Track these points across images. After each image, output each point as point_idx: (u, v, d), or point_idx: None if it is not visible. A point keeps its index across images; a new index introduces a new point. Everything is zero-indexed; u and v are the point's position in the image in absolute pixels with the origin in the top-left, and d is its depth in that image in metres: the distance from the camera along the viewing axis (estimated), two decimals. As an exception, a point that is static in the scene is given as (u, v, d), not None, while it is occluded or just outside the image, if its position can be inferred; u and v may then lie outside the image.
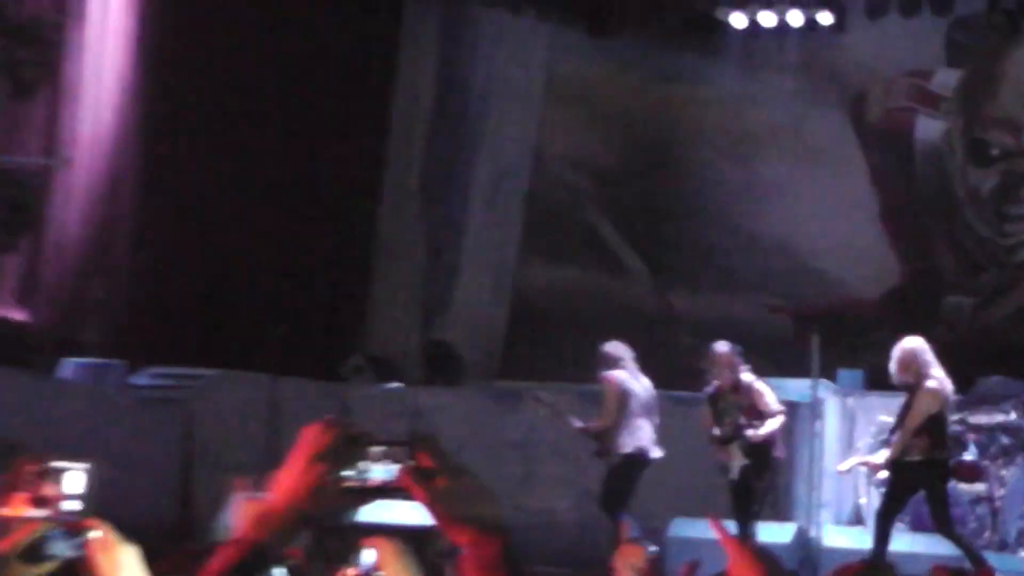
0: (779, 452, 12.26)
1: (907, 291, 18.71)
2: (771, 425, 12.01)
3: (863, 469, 12.76)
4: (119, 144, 15.89)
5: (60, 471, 2.59)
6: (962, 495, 12.92)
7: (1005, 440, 13.46)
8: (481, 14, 19.68)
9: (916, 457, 11.15)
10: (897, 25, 18.28)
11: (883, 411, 13.02)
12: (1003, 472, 13.32)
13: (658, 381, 12.88)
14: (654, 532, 12.27)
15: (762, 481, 12.03)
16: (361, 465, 2.35)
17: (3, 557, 2.56)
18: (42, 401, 12.84)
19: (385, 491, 2.37)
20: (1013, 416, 13.53)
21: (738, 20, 18.65)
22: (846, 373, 14.98)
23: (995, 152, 18.37)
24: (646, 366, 12.76)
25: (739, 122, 19.39)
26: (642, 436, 12.39)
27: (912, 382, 11.27)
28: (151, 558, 2.98)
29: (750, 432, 11.97)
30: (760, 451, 11.99)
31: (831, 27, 18.45)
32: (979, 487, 13.13)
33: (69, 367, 14.42)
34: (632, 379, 12.52)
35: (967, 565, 10.44)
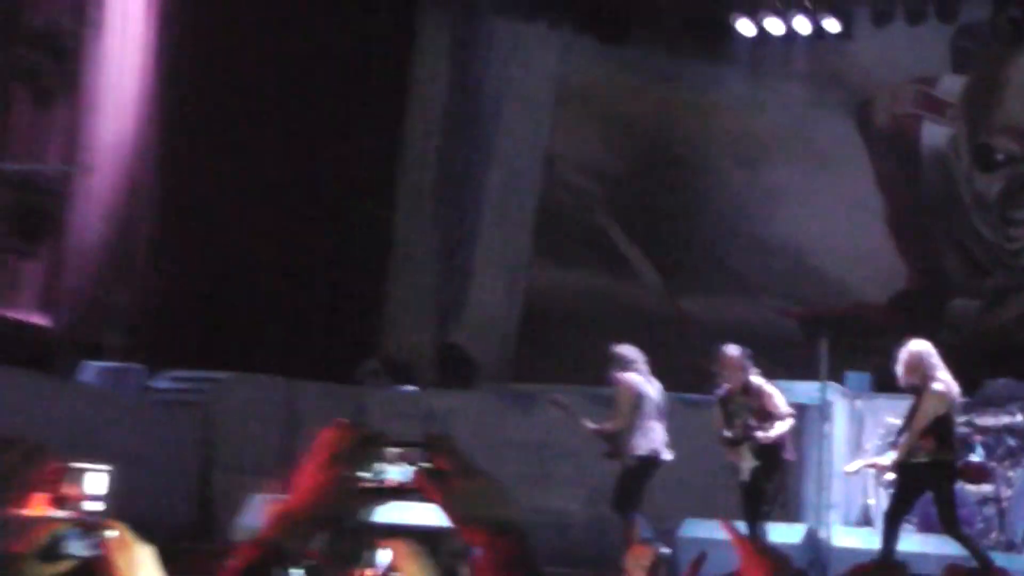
0: (788, 454, 12.24)
1: (914, 294, 18.68)
2: (780, 427, 11.98)
3: (870, 471, 12.74)
4: (138, 151, 15.91)
5: (81, 472, 2.59)
6: (969, 496, 12.88)
7: (1011, 442, 13.42)
8: (493, 22, 19.69)
9: (923, 459, 11.12)
10: (903, 32, 18.27)
11: (891, 413, 12.98)
12: (1010, 473, 13.27)
13: (668, 383, 12.86)
14: (666, 532, 12.26)
15: (771, 482, 12.01)
16: (377, 466, 2.35)
17: (21, 556, 2.56)
18: (63, 404, 12.85)
19: (401, 492, 2.37)
20: (1019, 418, 13.49)
21: (746, 27, 18.64)
22: (854, 375, 14.95)
23: (1000, 157, 18.34)
24: (656, 368, 12.74)
25: (747, 128, 19.38)
26: (655, 438, 12.40)
27: (919, 384, 11.24)
28: (169, 558, 2.97)
29: (760, 434, 11.95)
30: (769, 453, 11.97)
31: (838, 34, 18.44)
32: (986, 488, 13.09)
33: (89, 370, 14.44)
34: (645, 382, 12.53)
35: (974, 565, 10.43)
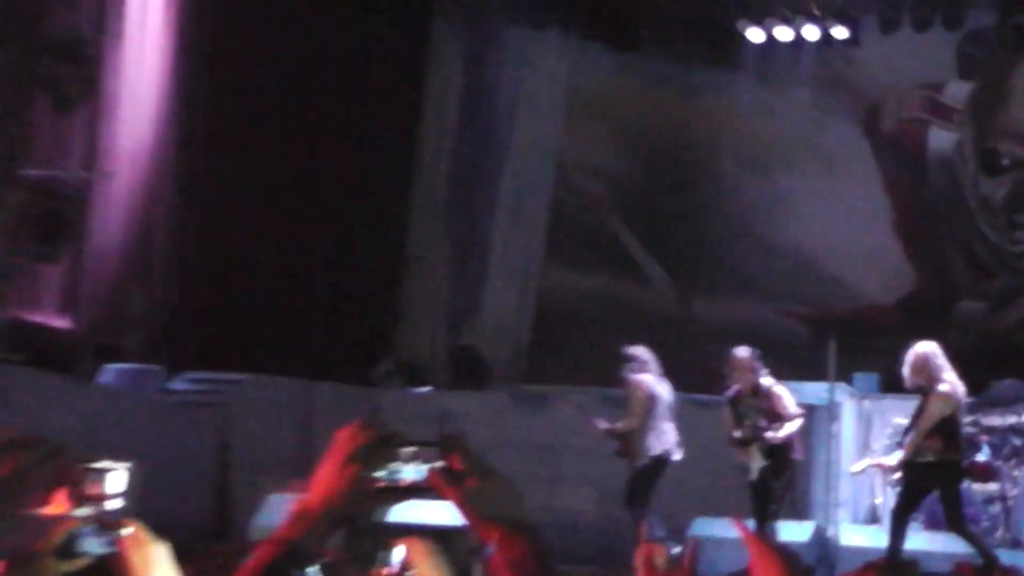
0: (797, 454, 12.24)
1: (921, 297, 18.66)
2: (789, 428, 11.99)
3: (876, 471, 12.74)
4: (157, 157, 15.94)
5: (103, 471, 2.59)
6: (975, 495, 12.87)
7: (1017, 441, 13.40)
8: (506, 29, 19.69)
9: (929, 458, 11.12)
10: (910, 39, 18.26)
11: (898, 413, 12.97)
12: (1015, 472, 13.26)
13: (678, 384, 12.87)
14: (677, 531, 12.25)
15: (780, 481, 12.01)
16: (392, 466, 2.36)
17: (38, 554, 2.56)
18: (83, 405, 12.86)
19: (415, 491, 2.37)
20: (1025, 418, 13.49)
21: (756, 35, 18.62)
22: (862, 376, 14.94)
23: (1006, 162, 18.33)
24: (666, 369, 12.75)
25: (756, 133, 19.37)
26: (667, 439, 12.42)
27: (925, 385, 11.24)
28: (187, 556, 2.97)
29: (769, 434, 11.95)
30: (778, 453, 11.98)
31: (846, 41, 18.43)
32: (992, 487, 13.08)
33: (109, 372, 14.46)
34: (657, 383, 12.54)
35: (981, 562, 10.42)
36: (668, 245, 19.53)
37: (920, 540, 11.84)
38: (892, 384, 12.78)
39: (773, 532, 11.76)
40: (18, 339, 12.75)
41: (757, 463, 11.96)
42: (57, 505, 2.45)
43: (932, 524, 12.44)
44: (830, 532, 13.15)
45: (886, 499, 13.30)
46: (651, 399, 12.41)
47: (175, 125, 15.99)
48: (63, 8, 15.07)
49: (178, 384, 14.82)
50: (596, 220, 19.80)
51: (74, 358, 14.40)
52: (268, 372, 15.00)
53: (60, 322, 15.05)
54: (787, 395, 12.15)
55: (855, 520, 13.87)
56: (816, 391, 13.60)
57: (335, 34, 17.39)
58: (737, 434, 12.11)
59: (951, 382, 11.17)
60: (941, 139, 18.72)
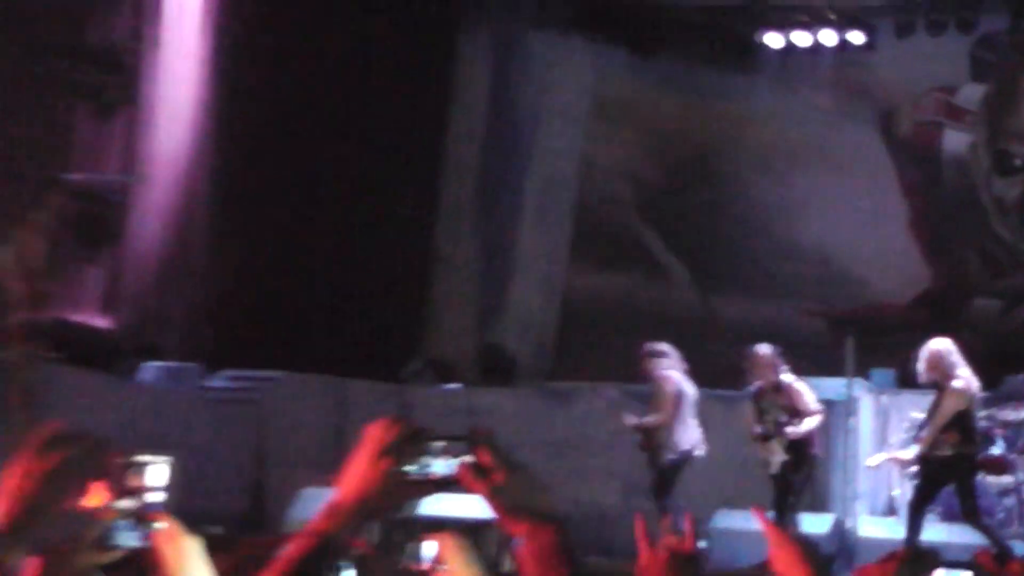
0: (817, 449, 12.22)
1: (936, 294, 18.60)
2: (809, 423, 11.97)
3: (893, 464, 12.71)
4: (193, 161, 15.98)
5: (144, 465, 2.60)
6: (990, 487, 12.82)
7: (1030, 435, 13.35)
8: (531, 36, 19.68)
9: (945, 452, 11.10)
10: (924, 43, 18.20)
11: (914, 408, 12.95)
12: (1029, 465, 13.21)
13: (700, 380, 12.86)
14: (698, 523, 12.23)
15: (799, 475, 11.99)
16: (422, 460, 2.36)
17: (76, 546, 2.57)
18: (124, 402, 12.91)
19: (445, 485, 2.37)
20: (1039, 412, 13.43)
21: (774, 40, 18.59)
22: (879, 372, 14.91)
23: (1018, 162, 18.27)
24: (689, 367, 12.74)
25: (775, 136, 19.34)
26: (694, 434, 12.42)
27: (940, 381, 11.21)
28: (223, 548, 2.98)
29: (789, 429, 11.94)
30: (798, 447, 11.95)
31: (862, 46, 18.37)
32: (1006, 479, 13.03)
33: (149, 371, 14.50)
34: (683, 379, 12.55)
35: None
36: (690, 245, 19.50)
37: (937, 531, 11.80)
38: (908, 379, 12.75)
39: (794, 524, 11.74)
40: (60, 338, 12.78)
41: (777, 457, 11.94)
42: (97, 498, 2.46)
43: (948, 516, 12.40)
44: (849, 524, 13.13)
45: (903, 492, 13.25)
46: (679, 395, 12.41)
47: (211, 130, 16.03)
48: (103, 18, 15.12)
49: (215, 382, 14.86)
50: (620, 221, 19.78)
51: (114, 357, 14.44)
52: (302, 370, 15.02)
53: (101, 322, 15.10)
54: (807, 391, 12.13)
55: (873, 512, 13.84)
56: (834, 387, 13.59)
57: (366, 41, 17.42)
58: (758, 429, 12.10)
59: (966, 378, 11.15)
60: (955, 141, 18.66)
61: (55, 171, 14.12)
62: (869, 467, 13.03)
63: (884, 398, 14.37)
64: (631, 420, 12.48)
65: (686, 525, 2.83)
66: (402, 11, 17.82)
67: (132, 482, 2.55)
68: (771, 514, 11.53)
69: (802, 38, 18.41)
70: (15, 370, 11.49)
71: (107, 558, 2.64)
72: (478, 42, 19.80)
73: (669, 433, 12.34)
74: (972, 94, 18.65)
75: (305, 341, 15.75)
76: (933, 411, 11.25)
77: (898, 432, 13.80)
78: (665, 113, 19.80)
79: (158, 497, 2.62)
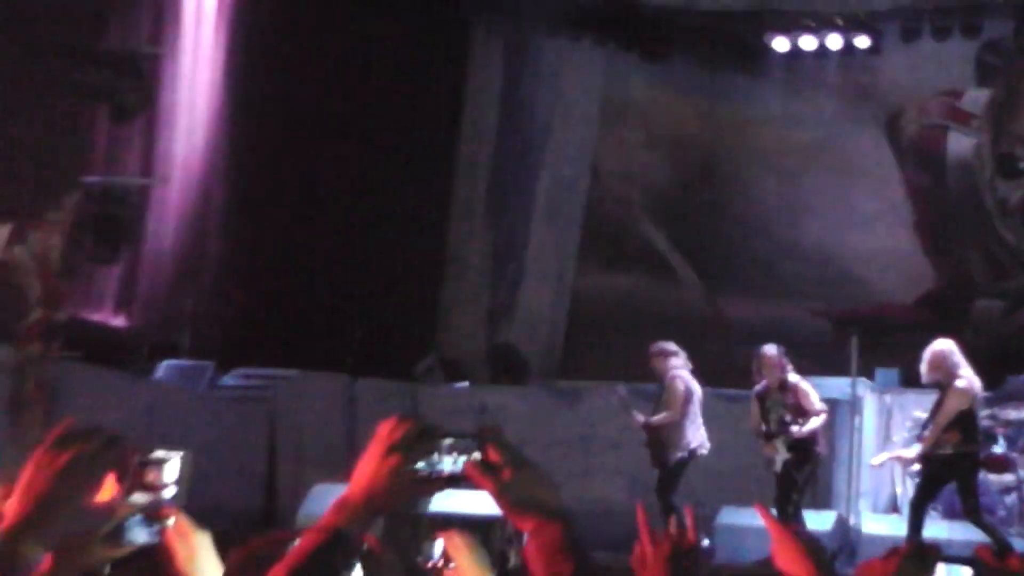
0: (821, 448, 12.22)
1: (940, 295, 18.58)
2: (814, 423, 11.97)
3: (896, 463, 12.70)
4: (209, 164, 16.02)
5: (160, 461, 2.61)
6: (992, 485, 12.81)
7: (1032, 434, 13.34)
8: (543, 41, 19.69)
9: (948, 450, 11.10)
10: (930, 48, 18.18)
11: (918, 407, 12.96)
12: (1030, 464, 13.20)
13: (708, 380, 12.86)
14: (704, 519, 12.23)
15: (802, 473, 11.98)
16: (432, 457, 2.36)
17: (86, 541, 2.57)
18: (139, 400, 12.94)
19: (454, 481, 2.38)
20: (1040, 412, 13.42)
21: (781, 44, 18.56)
22: (883, 372, 14.90)
23: (1022, 166, 18.24)
24: (696, 366, 12.74)
25: (782, 139, 19.32)
26: (701, 433, 12.44)
27: (943, 381, 11.21)
28: (235, 543, 2.99)
29: (794, 429, 11.93)
30: (802, 446, 11.95)
31: (868, 50, 18.35)
32: (1008, 478, 13.02)
33: (164, 369, 14.53)
34: (692, 378, 12.55)
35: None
36: (697, 246, 19.50)
37: (939, 529, 11.80)
38: (912, 379, 12.74)
39: (799, 521, 11.74)
40: (77, 337, 12.81)
41: (781, 455, 11.94)
42: (112, 493, 2.47)
43: (950, 514, 12.40)
44: (852, 521, 13.13)
45: (906, 489, 13.26)
46: (688, 393, 12.42)
47: (227, 133, 16.07)
48: (121, 24, 15.15)
49: (229, 380, 14.88)
50: (628, 223, 19.78)
51: (130, 355, 14.48)
52: (314, 368, 15.03)
53: (117, 321, 15.14)
54: (812, 392, 12.13)
55: (875, 509, 13.83)
56: (839, 386, 13.59)
57: (379, 45, 17.44)
58: (763, 428, 12.11)
59: (968, 377, 11.14)
60: (960, 144, 18.63)
61: (74, 173, 14.15)
62: (873, 466, 13.02)
63: (887, 397, 14.37)
64: (640, 418, 12.48)
65: (687, 519, 2.84)
66: (415, 15, 17.83)
67: (147, 477, 2.56)
68: (774, 511, 11.53)
69: (809, 42, 18.39)
70: (32, 367, 11.52)
71: (118, 553, 2.65)
72: (490, 46, 19.81)
73: (679, 432, 12.35)
74: (977, 98, 18.62)
75: (317, 340, 15.76)
76: (936, 410, 11.24)
77: (901, 431, 13.81)
78: (673, 116, 19.79)
79: (172, 492, 2.62)
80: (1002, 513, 12.83)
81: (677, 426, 12.35)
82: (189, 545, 2.87)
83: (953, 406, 11.06)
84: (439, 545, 3.58)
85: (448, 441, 2.37)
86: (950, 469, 11.19)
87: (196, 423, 13.11)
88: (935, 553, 2.67)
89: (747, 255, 19.18)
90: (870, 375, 14.53)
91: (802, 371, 12.36)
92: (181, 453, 2.63)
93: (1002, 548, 10.52)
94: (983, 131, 18.49)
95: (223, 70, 16.07)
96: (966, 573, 2.69)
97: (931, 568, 2.65)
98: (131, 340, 14.89)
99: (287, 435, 14.44)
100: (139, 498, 2.55)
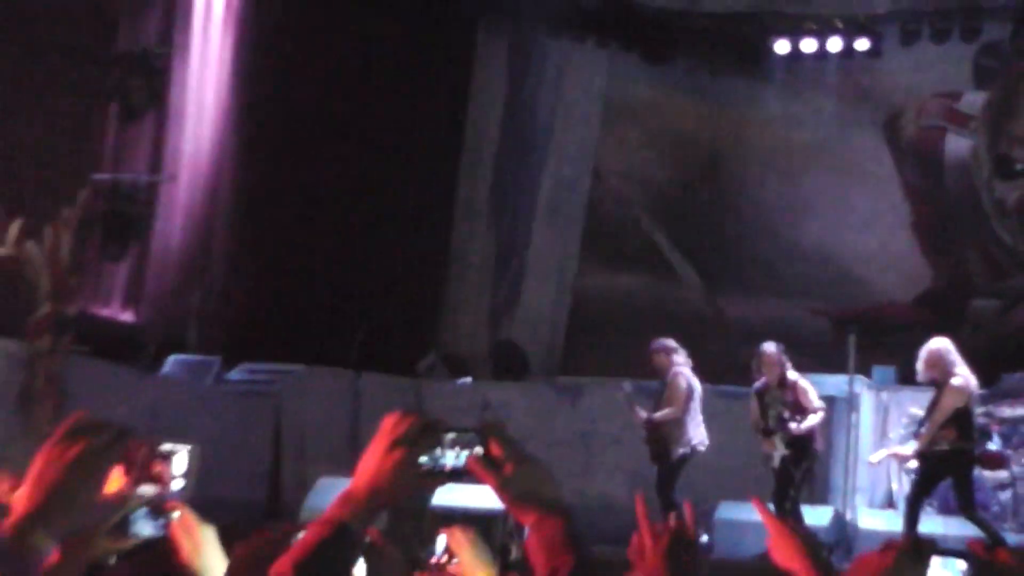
0: (819, 445, 12.22)
1: (937, 295, 18.57)
2: (812, 420, 11.97)
3: (893, 459, 12.70)
4: (218, 162, 16.03)
5: (168, 453, 2.62)
6: (986, 482, 12.81)
7: (1027, 431, 13.34)
8: (546, 42, 19.70)
9: (944, 447, 11.09)
10: (928, 51, 18.17)
11: (914, 404, 12.96)
12: (1025, 460, 13.20)
13: (707, 377, 12.85)
14: (703, 515, 12.24)
15: (799, 470, 11.98)
16: (435, 452, 2.37)
17: (92, 533, 2.58)
18: (147, 394, 12.93)
19: (456, 475, 2.38)
20: (1035, 409, 13.42)
21: (782, 47, 18.56)
22: (880, 369, 14.90)
23: (1019, 167, 18.24)
24: (696, 363, 12.73)
25: (783, 140, 19.32)
26: (702, 430, 12.44)
27: (939, 379, 11.21)
28: (241, 535, 3.00)
29: (792, 425, 11.93)
30: (800, 443, 11.95)
31: (867, 52, 18.34)
32: (1002, 474, 13.02)
33: (171, 363, 14.54)
34: (692, 375, 12.55)
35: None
36: (698, 246, 19.49)
37: (934, 524, 11.80)
38: (908, 377, 12.74)
39: (797, 516, 11.74)
40: (86, 331, 12.82)
41: (779, 452, 11.94)
42: (120, 486, 2.48)
43: (945, 509, 12.40)
44: (848, 516, 13.13)
45: (902, 485, 13.26)
46: (690, 390, 12.43)
47: (234, 132, 16.08)
48: (131, 24, 15.17)
49: (235, 374, 14.89)
50: (630, 222, 19.78)
51: (138, 350, 14.48)
52: (319, 364, 15.04)
53: (125, 316, 15.15)
54: (811, 390, 12.14)
55: (872, 505, 13.83)
56: (837, 383, 13.59)
57: (385, 46, 17.45)
58: (762, 424, 12.11)
59: (964, 375, 11.14)
60: (958, 145, 18.62)
61: (84, 170, 14.16)
62: (871, 463, 13.02)
63: (884, 394, 14.37)
64: (643, 414, 12.48)
65: (686, 513, 2.84)
66: (420, 17, 17.84)
67: (155, 470, 2.57)
68: (770, 506, 11.54)
69: (809, 45, 18.38)
70: (42, 361, 11.54)
71: (124, 545, 2.66)
72: (494, 48, 19.82)
73: (681, 428, 12.35)
74: (975, 100, 18.61)
75: (322, 336, 15.77)
76: (932, 408, 11.24)
77: (897, 428, 13.81)
78: (675, 117, 19.79)
79: (180, 485, 2.63)
80: (996, 509, 12.83)
81: (679, 423, 12.35)
82: (194, 538, 2.88)
83: (949, 404, 11.06)
84: (443, 541, 3.59)
85: (451, 436, 2.38)
86: (946, 465, 11.19)
87: (202, 417, 13.11)
88: (931, 546, 2.68)
89: (747, 254, 19.17)
90: (867, 373, 14.53)
91: (801, 369, 12.36)
92: (189, 447, 2.64)
93: (996, 543, 10.52)
94: (980, 133, 18.48)
95: (231, 70, 16.09)
96: (960, 566, 2.69)
97: (926, 561, 2.66)
98: (139, 335, 14.91)
99: (292, 429, 14.44)
100: (147, 490, 2.56)
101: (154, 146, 15.44)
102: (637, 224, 19.75)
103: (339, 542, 2.32)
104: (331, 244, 16.72)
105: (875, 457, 12.70)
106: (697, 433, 12.41)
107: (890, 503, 13.76)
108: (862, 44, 18.23)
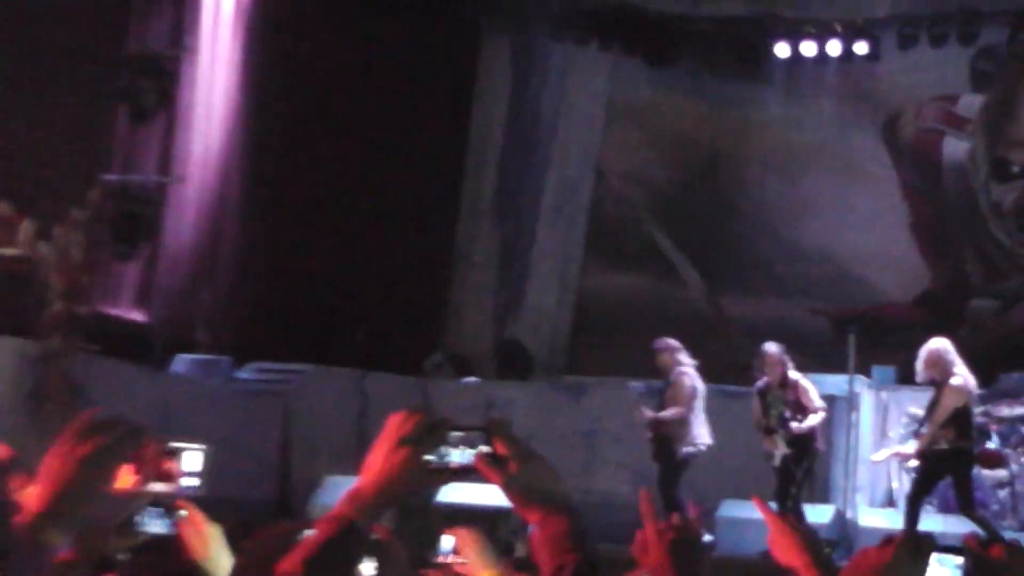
0: (820, 444, 12.22)
1: (936, 295, 18.56)
2: (813, 420, 11.97)
3: (894, 459, 12.69)
4: (227, 163, 16.02)
5: (180, 451, 2.61)
6: (985, 480, 12.80)
7: (1025, 430, 13.33)
8: (549, 46, 19.70)
9: (943, 446, 11.09)
10: (927, 54, 18.15)
11: (913, 404, 12.95)
12: (1023, 459, 13.18)
13: (709, 376, 12.84)
14: (706, 513, 12.22)
15: (800, 468, 11.98)
16: (441, 450, 2.36)
17: (102, 529, 2.58)
18: (157, 393, 12.93)
19: (462, 473, 2.38)
20: (1033, 408, 13.40)
21: (782, 50, 18.55)
22: (880, 369, 14.88)
23: (1016, 169, 18.21)
24: (698, 363, 12.72)
25: (783, 142, 19.31)
26: (706, 428, 12.42)
27: (938, 379, 11.20)
28: (250, 532, 2.99)
29: (793, 424, 11.93)
30: (801, 442, 11.95)
31: (867, 56, 18.32)
32: (1001, 473, 13.01)
33: (181, 363, 14.53)
34: (697, 375, 12.54)
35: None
36: (700, 246, 19.48)
37: (933, 522, 11.79)
38: (908, 376, 12.74)
39: (799, 514, 11.73)
40: (97, 331, 12.82)
41: (780, 451, 11.94)
42: (131, 483, 2.48)
43: (945, 508, 12.39)
44: (849, 514, 13.12)
45: (902, 484, 13.25)
46: (694, 389, 12.41)
47: (244, 134, 16.08)
48: (141, 26, 15.17)
49: (244, 374, 14.88)
50: (633, 223, 19.77)
51: (148, 349, 14.48)
52: (327, 363, 15.04)
53: (136, 315, 15.15)
54: (812, 389, 12.13)
55: (872, 503, 13.82)
56: (837, 383, 13.58)
57: (392, 49, 17.47)
58: (764, 423, 12.11)
59: (963, 375, 11.13)
60: (955, 148, 18.61)
61: (94, 172, 14.17)
62: (873, 462, 13.01)
63: (884, 394, 14.35)
64: (649, 413, 12.46)
65: (690, 511, 2.84)
66: (427, 19, 17.86)
67: (166, 468, 2.57)
68: (772, 504, 11.53)
69: (809, 48, 18.38)
70: (54, 360, 11.54)
71: (133, 542, 2.65)
72: (499, 50, 19.83)
73: (686, 427, 12.33)
74: (972, 103, 18.60)
75: (330, 335, 15.77)
76: (932, 408, 11.23)
77: (897, 427, 13.80)
78: (677, 119, 19.78)
79: (193, 484, 2.63)
80: (995, 507, 12.82)
81: (684, 422, 12.33)
82: (202, 536, 2.88)
83: (949, 403, 11.06)
84: (447, 541, 3.58)
85: (457, 434, 2.37)
86: (945, 464, 11.19)
87: (212, 416, 13.10)
88: (930, 542, 2.68)
89: (748, 255, 19.16)
90: (867, 372, 14.52)
91: (801, 368, 12.35)
92: (203, 446, 2.64)
93: (994, 541, 10.51)
94: (977, 135, 18.46)
95: (240, 71, 16.09)
96: (958, 561, 2.69)
97: (926, 556, 2.65)
98: (149, 334, 14.90)
99: (301, 428, 14.44)
100: (158, 488, 2.56)
101: (163, 147, 15.43)
102: (639, 225, 19.74)
103: (346, 539, 2.31)
104: (338, 244, 16.74)
105: (877, 456, 12.69)
106: (702, 432, 12.40)
107: (890, 502, 13.75)
108: (861, 48, 18.21)
